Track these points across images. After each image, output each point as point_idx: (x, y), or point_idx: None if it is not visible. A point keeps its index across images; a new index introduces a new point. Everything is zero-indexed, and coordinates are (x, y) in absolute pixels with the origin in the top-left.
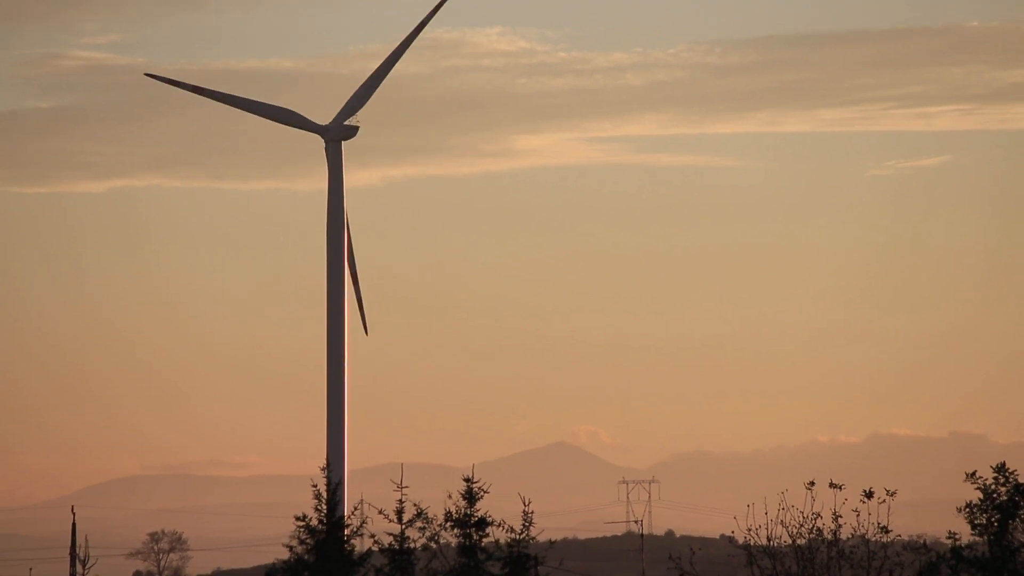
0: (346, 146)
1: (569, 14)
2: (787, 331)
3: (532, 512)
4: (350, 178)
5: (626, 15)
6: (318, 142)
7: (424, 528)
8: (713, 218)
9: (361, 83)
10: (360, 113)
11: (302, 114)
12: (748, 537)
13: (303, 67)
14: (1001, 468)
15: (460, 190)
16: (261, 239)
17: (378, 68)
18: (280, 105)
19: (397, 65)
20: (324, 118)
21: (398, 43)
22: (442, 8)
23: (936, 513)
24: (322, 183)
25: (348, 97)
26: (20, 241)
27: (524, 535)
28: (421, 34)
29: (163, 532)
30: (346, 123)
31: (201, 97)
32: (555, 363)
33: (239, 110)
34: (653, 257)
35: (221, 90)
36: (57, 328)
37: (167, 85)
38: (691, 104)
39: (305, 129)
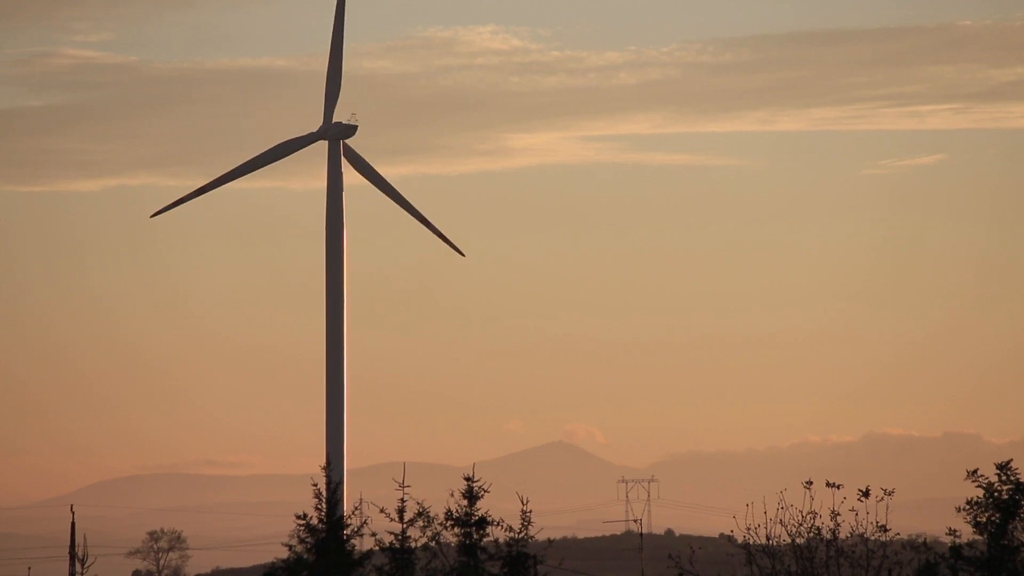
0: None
1: (562, 13)
2: (781, 331)
3: (531, 511)
4: (345, 177)
5: (619, 14)
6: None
7: (425, 527)
8: (707, 217)
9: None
10: (356, 112)
11: (295, 122)
12: (747, 536)
13: (296, 66)
14: (1004, 467)
15: (455, 189)
16: (258, 237)
17: (330, 65)
18: (273, 144)
19: (391, 64)
20: (318, 115)
21: (392, 42)
22: (435, 6)
23: (931, 512)
24: (318, 181)
25: (351, 98)
26: (15, 240)
27: (523, 534)
28: (415, 33)
29: (162, 531)
30: (345, 122)
31: (196, 98)
32: (553, 362)
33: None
34: (647, 256)
35: (214, 91)
36: (54, 328)
37: (162, 78)
38: (685, 103)
39: (308, 144)
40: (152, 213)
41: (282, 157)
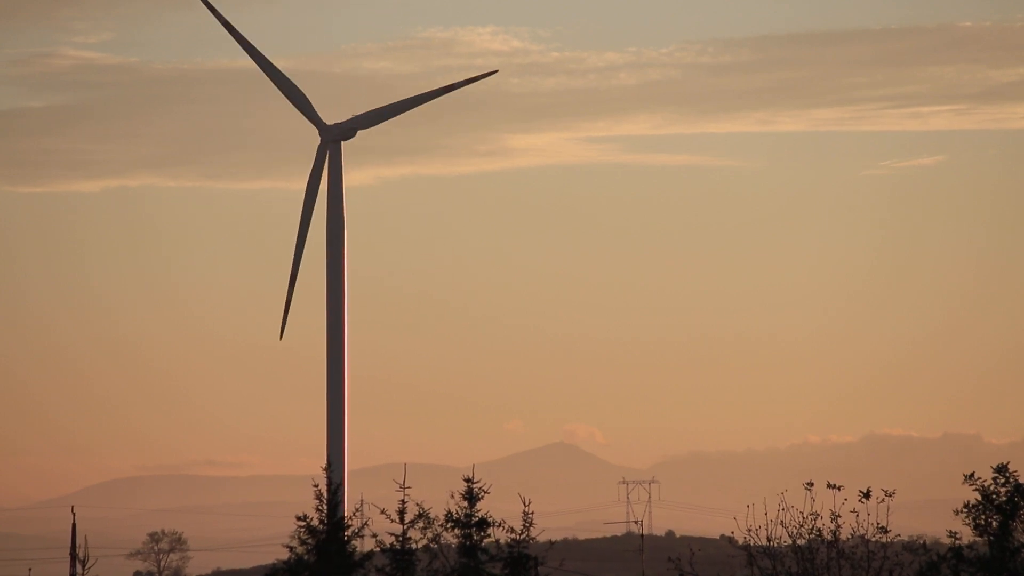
0: (342, 146)
1: (562, 13)
2: (780, 331)
3: (532, 512)
4: (345, 178)
5: (619, 15)
6: (313, 139)
7: (426, 528)
8: (706, 218)
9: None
10: (355, 113)
11: (296, 121)
12: (748, 537)
13: (295, 66)
14: (1002, 469)
15: (455, 190)
16: (256, 238)
17: (414, 97)
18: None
19: (390, 64)
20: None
21: (392, 42)
22: (435, 7)
23: (931, 513)
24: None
25: (350, 98)
26: (15, 240)
27: (524, 535)
28: (414, 33)
29: (163, 532)
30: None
31: (196, 98)
32: (553, 362)
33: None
34: (647, 256)
35: (214, 91)
36: (54, 328)
37: (162, 78)
38: (685, 104)
39: (309, 119)
40: (280, 336)
41: (291, 99)
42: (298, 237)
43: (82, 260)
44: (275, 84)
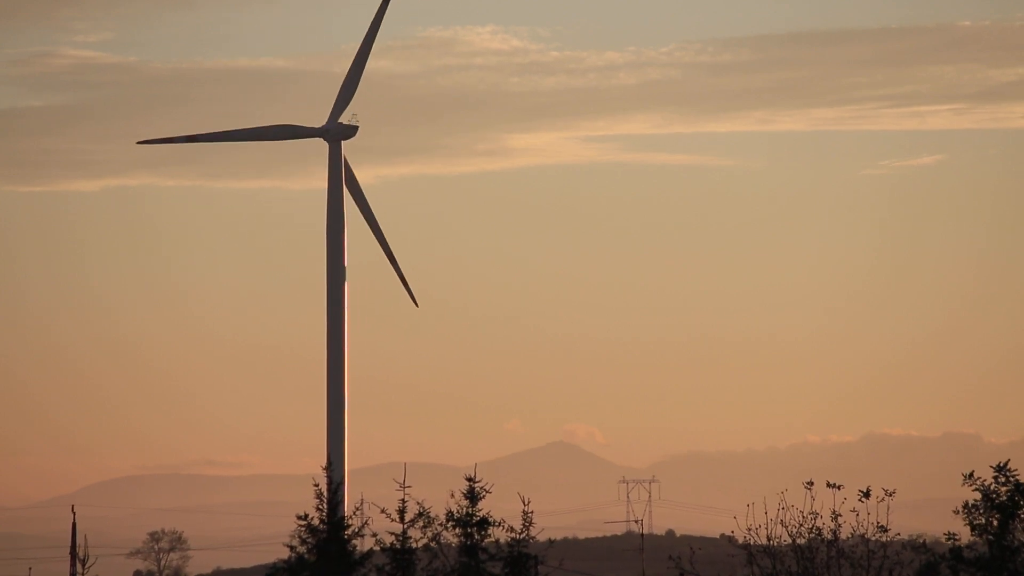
0: (343, 145)
1: (561, 13)
2: (780, 331)
3: (532, 512)
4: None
5: (619, 14)
6: (312, 140)
7: (426, 527)
8: (706, 218)
9: (341, 82)
10: (355, 112)
11: (297, 121)
12: (748, 537)
13: (295, 66)
14: (1002, 468)
15: (455, 189)
16: (256, 238)
17: (352, 64)
18: (273, 123)
19: (390, 64)
20: (317, 116)
21: (392, 42)
22: (434, 6)
23: (931, 512)
24: (316, 182)
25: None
26: (14, 240)
27: (524, 535)
28: (414, 33)
29: (163, 531)
30: (346, 123)
31: (195, 98)
32: (553, 362)
33: (234, 124)
34: (647, 256)
35: (214, 91)
36: (54, 328)
37: (162, 78)
38: (685, 103)
39: (306, 137)
40: (139, 141)
41: (279, 138)
42: (237, 133)
43: (82, 260)
44: (261, 138)
